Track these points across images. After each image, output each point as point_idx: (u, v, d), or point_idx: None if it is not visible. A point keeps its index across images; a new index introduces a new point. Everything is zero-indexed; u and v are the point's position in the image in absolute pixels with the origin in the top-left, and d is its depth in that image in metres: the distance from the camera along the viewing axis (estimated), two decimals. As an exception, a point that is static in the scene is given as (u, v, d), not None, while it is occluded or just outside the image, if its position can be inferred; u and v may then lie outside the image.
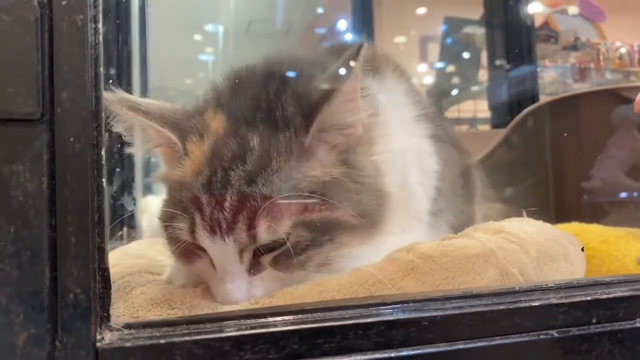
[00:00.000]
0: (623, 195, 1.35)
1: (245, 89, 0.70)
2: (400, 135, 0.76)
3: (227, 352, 0.44)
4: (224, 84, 0.73)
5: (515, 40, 2.17)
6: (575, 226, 1.10)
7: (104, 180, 0.45)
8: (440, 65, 3.03)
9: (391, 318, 0.49)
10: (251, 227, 0.59)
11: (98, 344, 0.42)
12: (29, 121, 0.41)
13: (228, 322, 0.47)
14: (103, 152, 0.45)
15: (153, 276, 0.71)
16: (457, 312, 0.50)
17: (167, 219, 0.64)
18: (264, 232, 0.59)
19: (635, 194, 1.33)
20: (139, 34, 1.78)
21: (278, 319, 0.47)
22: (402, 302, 0.51)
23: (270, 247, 0.61)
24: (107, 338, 0.43)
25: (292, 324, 0.47)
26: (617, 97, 1.35)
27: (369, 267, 0.63)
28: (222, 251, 0.60)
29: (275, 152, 0.61)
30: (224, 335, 0.45)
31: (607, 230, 1.04)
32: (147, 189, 1.74)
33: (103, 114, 0.45)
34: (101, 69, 0.45)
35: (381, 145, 0.70)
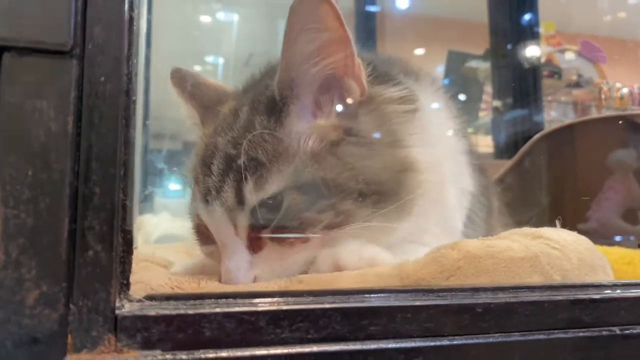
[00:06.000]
0: (618, 238, 1.34)
1: (254, 82, 0.73)
2: (440, 143, 0.73)
3: (262, 329, 0.39)
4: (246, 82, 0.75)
5: (521, 75, 2.18)
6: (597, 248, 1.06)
7: (133, 132, 0.40)
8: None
9: (442, 302, 0.44)
10: (238, 188, 0.57)
11: (117, 312, 0.37)
12: (59, 53, 0.37)
13: (262, 298, 0.42)
14: (134, 102, 0.41)
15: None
16: (512, 300, 0.45)
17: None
18: (249, 192, 0.57)
19: (631, 237, 1.32)
20: (144, 63, 1.78)
21: (318, 297, 0.42)
22: (452, 290, 0.46)
23: (268, 219, 0.57)
24: (127, 307, 0.38)
25: (334, 302, 0.41)
26: (631, 123, 1.35)
27: (411, 262, 0.58)
28: (216, 220, 0.59)
29: (259, 115, 0.61)
30: (259, 309, 0.39)
31: (630, 252, 1.00)
32: (143, 208, 1.68)
33: (136, 61, 0.41)
34: (136, 12, 0.42)
35: (417, 138, 0.66)
